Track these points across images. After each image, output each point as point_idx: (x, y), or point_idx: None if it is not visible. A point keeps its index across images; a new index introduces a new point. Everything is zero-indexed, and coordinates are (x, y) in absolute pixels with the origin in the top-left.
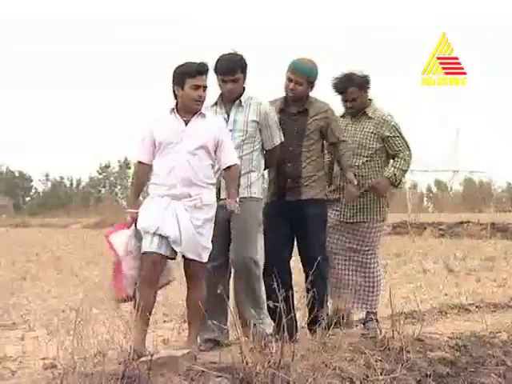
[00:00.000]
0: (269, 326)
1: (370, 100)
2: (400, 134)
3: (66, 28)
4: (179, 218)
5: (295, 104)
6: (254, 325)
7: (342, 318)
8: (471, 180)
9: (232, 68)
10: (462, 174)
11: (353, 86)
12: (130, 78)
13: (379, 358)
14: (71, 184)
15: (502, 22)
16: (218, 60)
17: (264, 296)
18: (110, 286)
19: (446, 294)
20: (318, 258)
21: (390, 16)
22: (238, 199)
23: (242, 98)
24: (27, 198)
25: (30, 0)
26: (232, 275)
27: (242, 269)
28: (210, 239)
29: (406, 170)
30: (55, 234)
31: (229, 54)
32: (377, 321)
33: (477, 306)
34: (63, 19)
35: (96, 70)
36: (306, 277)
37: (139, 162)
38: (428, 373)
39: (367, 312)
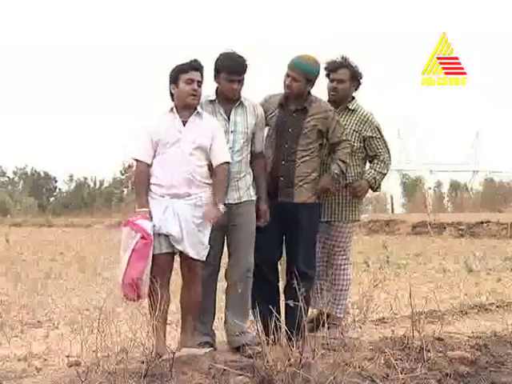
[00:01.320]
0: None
1: (354, 97)
2: (381, 135)
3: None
4: (180, 217)
5: (295, 101)
6: (237, 334)
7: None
8: (491, 180)
9: (242, 68)
10: (482, 173)
11: (345, 68)
12: (155, 80)
13: (399, 357)
14: (95, 184)
15: (502, 22)
16: (225, 58)
17: (250, 310)
18: (126, 269)
19: (466, 294)
20: (304, 270)
21: (389, 16)
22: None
23: (242, 99)
24: (51, 199)
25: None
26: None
27: (242, 279)
28: (208, 238)
29: (386, 174)
30: (79, 234)
31: (234, 53)
32: (335, 325)
33: (497, 306)
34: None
35: (119, 70)
36: (288, 274)
37: (139, 161)
38: (448, 372)
39: (332, 316)
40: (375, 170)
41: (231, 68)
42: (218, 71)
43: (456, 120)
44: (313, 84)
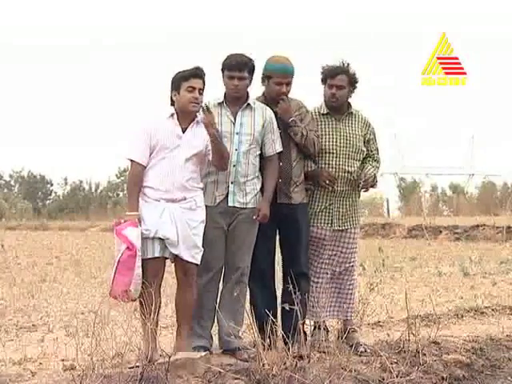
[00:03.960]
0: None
1: (349, 103)
2: (376, 137)
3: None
4: (177, 220)
5: (275, 103)
6: (230, 337)
7: (318, 328)
8: (488, 183)
9: (240, 64)
10: (477, 177)
11: (344, 74)
12: (149, 83)
13: (395, 361)
14: (90, 188)
15: (502, 23)
16: (227, 57)
17: (243, 315)
18: (112, 282)
19: (461, 297)
20: (305, 271)
21: (389, 16)
22: None
23: (250, 102)
24: (47, 202)
25: None
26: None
27: (237, 282)
28: (202, 241)
29: (377, 172)
30: (74, 237)
31: (237, 52)
32: (354, 331)
33: (493, 309)
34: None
35: (116, 73)
36: (285, 275)
37: (135, 163)
38: (444, 376)
39: (347, 321)
40: (371, 165)
41: (230, 64)
42: (222, 71)
43: (452, 123)
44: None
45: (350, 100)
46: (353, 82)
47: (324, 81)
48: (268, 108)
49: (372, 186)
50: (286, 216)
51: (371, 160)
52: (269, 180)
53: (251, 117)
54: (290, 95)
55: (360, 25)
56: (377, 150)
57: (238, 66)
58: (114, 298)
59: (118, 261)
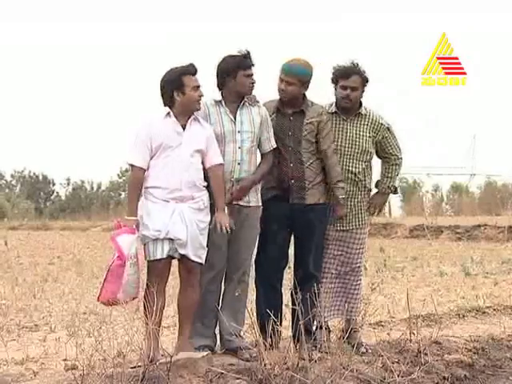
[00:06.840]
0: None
1: (361, 103)
2: (393, 135)
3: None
4: (187, 221)
5: (291, 105)
6: (232, 337)
7: (320, 328)
8: (490, 183)
9: (251, 63)
10: (479, 177)
11: (357, 75)
12: (149, 83)
13: (396, 361)
14: (92, 188)
15: (502, 23)
16: (236, 57)
17: (244, 315)
18: (101, 288)
19: (463, 297)
20: (314, 272)
21: (389, 16)
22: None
23: (246, 99)
24: (48, 202)
25: None
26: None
27: (239, 281)
28: (207, 240)
29: (398, 174)
30: (76, 237)
31: (237, 54)
32: (356, 331)
33: (494, 309)
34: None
35: (115, 73)
36: (296, 277)
37: (136, 167)
38: (445, 375)
39: (349, 320)
40: (387, 177)
41: (246, 63)
42: (232, 72)
43: (453, 123)
44: (307, 86)
45: (362, 100)
46: (365, 82)
47: (335, 81)
48: (262, 106)
49: (394, 193)
50: (299, 216)
51: (388, 166)
52: (260, 169)
53: (249, 114)
54: (312, 99)
55: (360, 25)
56: (394, 147)
57: (252, 64)
58: (102, 304)
59: (108, 268)
